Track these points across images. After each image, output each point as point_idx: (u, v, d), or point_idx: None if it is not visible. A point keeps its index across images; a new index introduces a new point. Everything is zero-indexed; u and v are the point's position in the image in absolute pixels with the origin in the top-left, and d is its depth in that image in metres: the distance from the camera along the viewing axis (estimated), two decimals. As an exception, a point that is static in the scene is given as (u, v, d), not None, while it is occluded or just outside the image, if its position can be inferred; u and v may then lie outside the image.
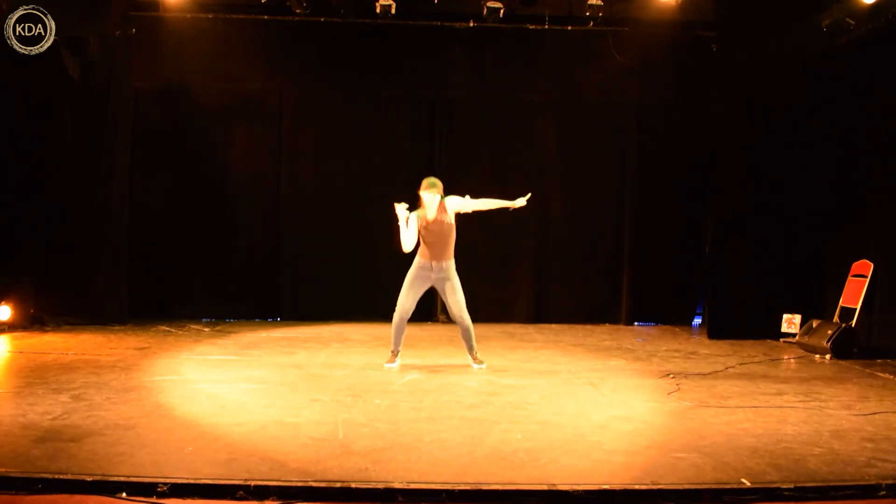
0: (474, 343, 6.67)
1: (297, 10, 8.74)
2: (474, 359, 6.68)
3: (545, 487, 3.68)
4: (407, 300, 6.49)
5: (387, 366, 6.58)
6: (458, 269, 6.49)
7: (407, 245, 6.36)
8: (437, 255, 6.41)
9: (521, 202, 6.52)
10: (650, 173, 9.82)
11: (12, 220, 8.49)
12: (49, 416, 4.72)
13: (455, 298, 6.48)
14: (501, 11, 8.57)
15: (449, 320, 7.12)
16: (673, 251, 9.84)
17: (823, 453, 4.28)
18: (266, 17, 9.06)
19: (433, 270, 6.42)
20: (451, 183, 6.89)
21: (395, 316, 6.53)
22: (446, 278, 6.46)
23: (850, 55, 8.37)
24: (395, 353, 6.64)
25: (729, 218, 8.72)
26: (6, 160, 8.45)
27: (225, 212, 9.56)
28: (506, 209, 6.57)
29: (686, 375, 6.46)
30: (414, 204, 6.42)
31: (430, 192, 6.35)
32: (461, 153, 9.63)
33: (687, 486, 3.73)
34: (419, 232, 6.41)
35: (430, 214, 6.39)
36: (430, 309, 9.55)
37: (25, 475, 3.68)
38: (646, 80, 9.58)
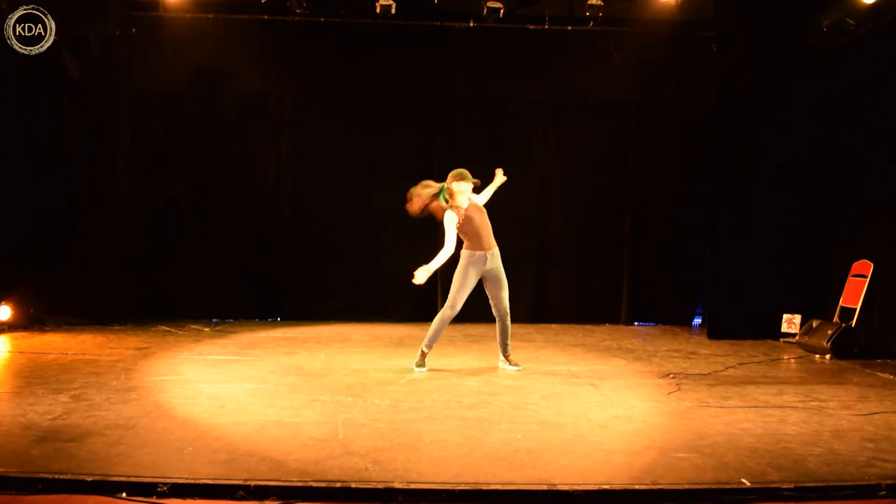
0: (510, 342, 6.63)
1: (297, 10, 8.74)
2: (508, 359, 6.61)
3: (545, 487, 3.68)
4: (463, 299, 6.28)
5: (417, 370, 6.36)
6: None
7: (450, 248, 6.21)
8: (489, 242, 6.33)
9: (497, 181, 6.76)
10: (650, 173, 9.81)
11: (12, 221, 8.49)
12: (49, 416, 4.72)
13: (504, 292, 6.44)
14: (501, 11, 8.56)
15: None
16: (673, 251, 9.82)
17: (823, 453, 4.28)
18: (266, 17, 9.05)
19: (487, 261, 6.30)
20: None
21: (447, 314, 6.25)
22: (498, 267, 6.38)
23: (850, 55, 8.37)
24: (426, 355, 6.46)
25: (729, 218, 8.71)
26: (6, 160, 8.44)
27: (225, 211, 9.53)
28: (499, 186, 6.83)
29: (686, 375, 6.47)
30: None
31: (467, 182, 6.23)
32: (461, 153, 9.61)
33: (687, 486, 3.74)
34: (462, 226, 6.23)
35: (465, 203, 6.28)
36: (434, 308, 9.53)
37: (25, 475, 3.69)
38: (646, 80, 9.57)
